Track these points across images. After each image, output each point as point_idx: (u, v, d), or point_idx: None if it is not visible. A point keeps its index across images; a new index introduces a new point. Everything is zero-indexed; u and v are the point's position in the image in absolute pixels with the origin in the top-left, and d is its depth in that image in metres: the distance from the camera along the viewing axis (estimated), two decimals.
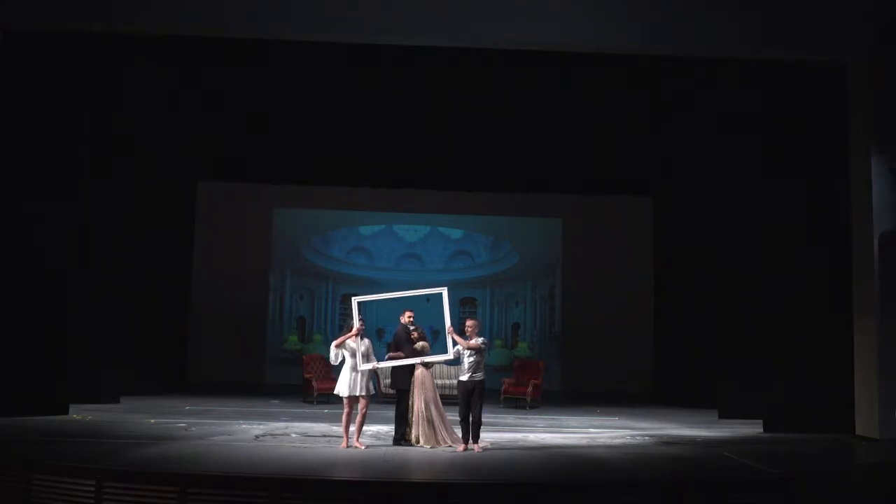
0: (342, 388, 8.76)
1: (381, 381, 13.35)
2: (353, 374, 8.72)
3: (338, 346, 8.74)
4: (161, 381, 14.18)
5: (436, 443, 8.91)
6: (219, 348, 16.56)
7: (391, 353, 9.26)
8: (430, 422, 8.96)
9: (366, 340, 8.83)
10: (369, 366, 8.82)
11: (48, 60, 10.70)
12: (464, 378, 8.70)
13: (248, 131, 13.45)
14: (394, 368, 9.37)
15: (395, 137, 13.31)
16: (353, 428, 8.77)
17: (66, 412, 10.68)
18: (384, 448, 8.74)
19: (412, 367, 9.13)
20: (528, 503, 6.84)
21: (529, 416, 11.48)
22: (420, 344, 9.22)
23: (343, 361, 8.77)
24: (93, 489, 6.72)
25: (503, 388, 13.68)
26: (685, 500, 6.97)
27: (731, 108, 11.78)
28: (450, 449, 8.78)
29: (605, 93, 12.09)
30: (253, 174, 15.72)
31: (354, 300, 8.96)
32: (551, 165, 14.56)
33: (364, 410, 8.78)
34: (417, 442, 8.93)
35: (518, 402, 13.32)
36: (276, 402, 13.33)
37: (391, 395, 10.23)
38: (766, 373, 10.82)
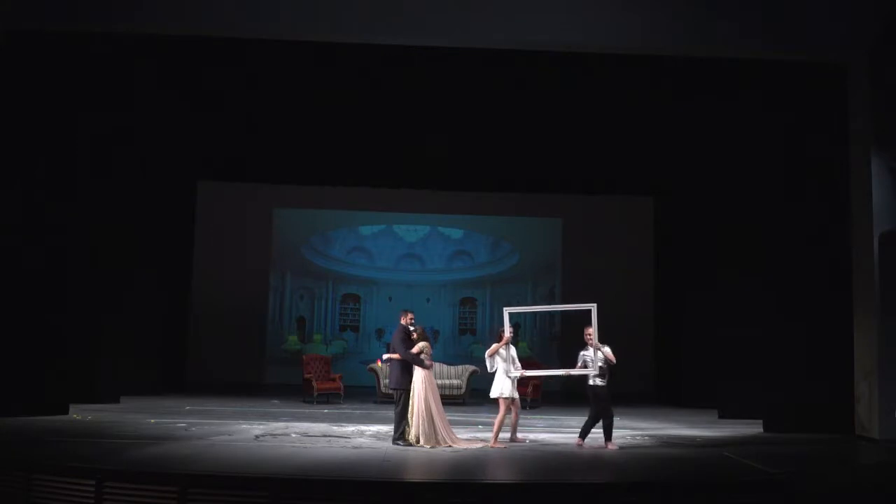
0: (499, 390, 9.18)
1: (381, 381, 13.36)
2: (506, 378, 9.18)
3: (491, 356, 9.25)
4: (161, 381, 14.18)
5: (436, 442, 8.90)
6: (219, 348, 16.56)
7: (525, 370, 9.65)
8: (430, 421, 8.97)
9: (513, 347, 9.35)
10: (517, 373, 9.30)
11: (48, 60, 10.70)
12: (601, 383, 9.17)
13: (248, 131, 13.44)
14: (392, 369, 9.39)
15: (396, 137, 13.30)
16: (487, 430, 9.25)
17: (66, 412, 10.68)
18: (384, 448, 8.74)
19: (411, 368, 9.17)
20: (528, 503, 6.84)
21: (529, 416, 11.47)
22: (421, 345, 9.24)
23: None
24: (93, 489, 6.73)
25: None
26: (685, 500, 6.97)
27: (731, 108, 11.78)
28: (449, 449, 8.78)
29: (605, 93, 12.08)
30: (253, 174, 15.71)
31: (506, 310, 9.39)
32: (551, 165, 14.55)
33: (517, 411, 9.34)
34: (417, 442, 8.93)
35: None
36: (276, 402, 13.33)
37: (390, 394, 10.23)
38: (766, 373, 10.82)
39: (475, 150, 13.78)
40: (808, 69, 10.82)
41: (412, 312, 9.60)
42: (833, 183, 10.77)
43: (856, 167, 10.63)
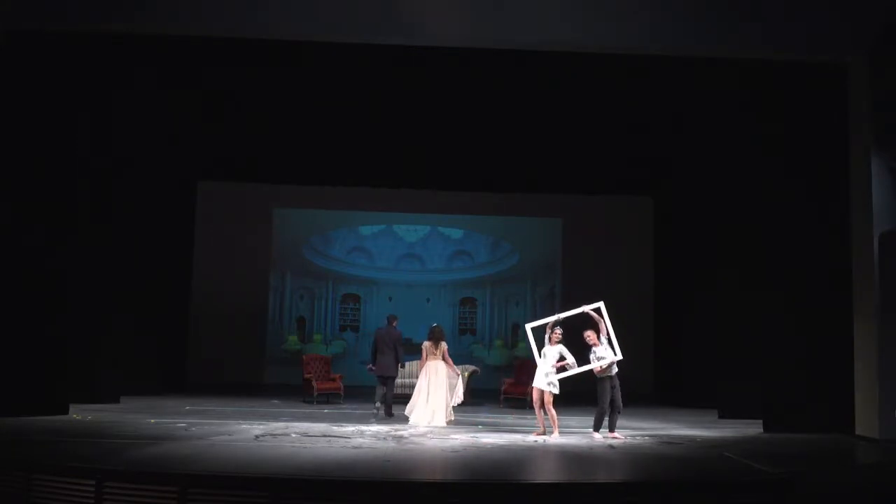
0: (541, 383, 10.04)
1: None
2: (547, 373, 10.02)
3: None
4: (161, 381, 14.19)
5: (426, 422, 10.41)
6: (219, 348, 16.57)
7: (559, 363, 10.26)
8: (427, 403, 10.49)
9: (556, 347, 10.10)
10: (553, 371, 10.07)
11: (48, 60, 10.69)
12: (612, 374, 9.94)
13: (248, 131, 13.45)
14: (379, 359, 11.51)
15: (395, 137, 13.31)
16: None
17: (66, 412, 10.68)
18: (384, 448, 8.75)
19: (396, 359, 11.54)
20: (527, 503, 6.83)
21: (529, 416, 11.46)
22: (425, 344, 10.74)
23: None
24: (93, 489, 6.72)
25: (503, 388, 13.70)
26: (685, 500, 6.96)
27: (731, 108, 11.77)
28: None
29: (605, 93, 12.09)
30: (253, 174, 15.73)
31: (528, 325, 10.34)
32: (551, 165, 14.56)
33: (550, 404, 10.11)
34: (411, 415, 10.52)
35: (518, 402, 13.31)
36: (276, 402, 13.33)
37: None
38: (766, 373, 10.81)
39: (475, 151, 13.78)
40: (808, 69, 10.81)
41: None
42: (833, 183, 10.76)
43: (856, 167, 10.62)
